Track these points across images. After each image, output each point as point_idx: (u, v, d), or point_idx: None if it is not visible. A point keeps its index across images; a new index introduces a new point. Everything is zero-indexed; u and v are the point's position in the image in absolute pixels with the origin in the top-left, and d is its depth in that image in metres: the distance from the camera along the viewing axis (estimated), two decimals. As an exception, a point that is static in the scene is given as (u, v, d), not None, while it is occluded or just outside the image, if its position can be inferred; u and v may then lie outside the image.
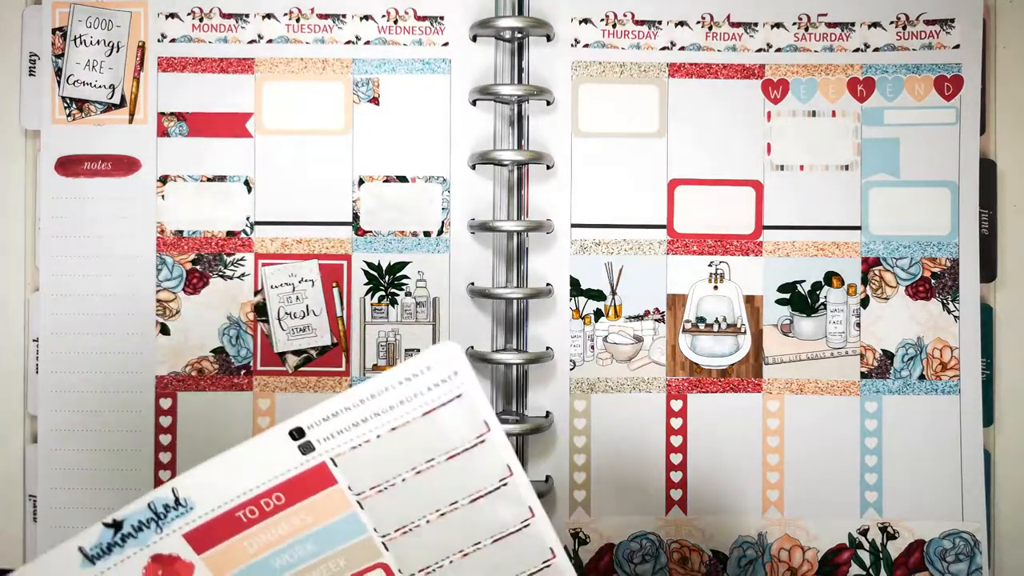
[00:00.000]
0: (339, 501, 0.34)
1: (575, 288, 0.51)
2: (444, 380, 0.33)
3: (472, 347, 0.51)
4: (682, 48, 0.51)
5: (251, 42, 0.51)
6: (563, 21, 0.51)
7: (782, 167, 0.51)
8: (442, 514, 0.35)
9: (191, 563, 0.34)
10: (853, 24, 0.51)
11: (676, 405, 0.51)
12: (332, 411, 0.33)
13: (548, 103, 0.51)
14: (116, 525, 0.34)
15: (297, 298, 0.51)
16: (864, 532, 0.51)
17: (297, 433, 0.33)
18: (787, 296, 0.51)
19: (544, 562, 0.36)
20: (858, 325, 0.51)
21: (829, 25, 0.51)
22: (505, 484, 0.35)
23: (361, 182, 0.51)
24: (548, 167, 0.51)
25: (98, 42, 0.51)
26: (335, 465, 0.34)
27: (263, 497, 0.34)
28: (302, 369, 0.51)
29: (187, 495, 0.34)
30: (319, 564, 0.35)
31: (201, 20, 0.51)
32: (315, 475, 0.34)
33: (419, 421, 0.33)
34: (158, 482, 0.50)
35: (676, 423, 0.51)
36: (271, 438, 0.33)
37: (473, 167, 0.51)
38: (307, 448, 0.34)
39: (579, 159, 0.51)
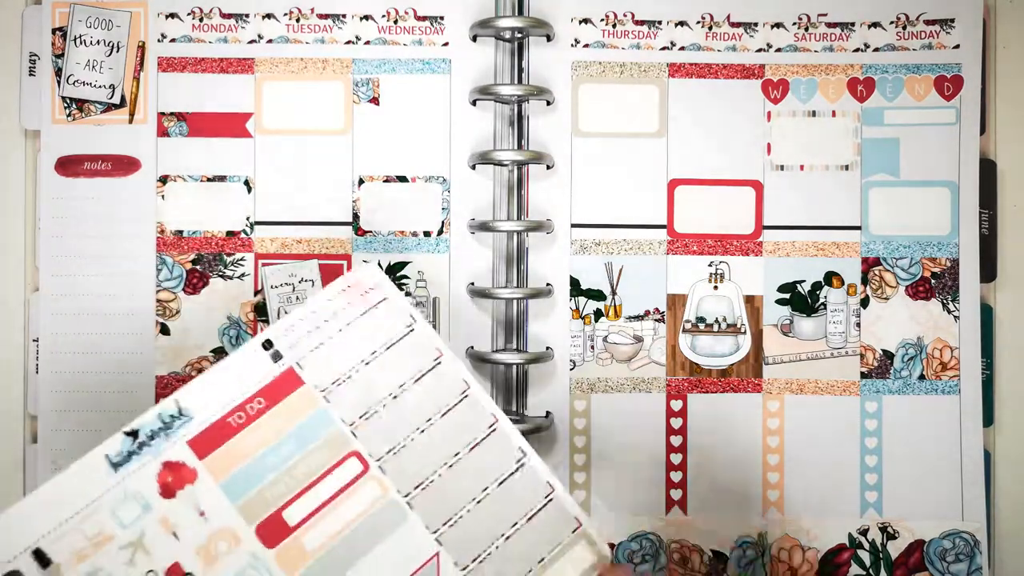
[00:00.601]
0: (308, 399, 0.40)
1: (575, 288, 0.51)
2: (371, 288, 0.42)
3: (472, 347, 0.51)
4: (682, 48, 0.51)
5: (251, 42, 0.51)
6: (563, 21, 0.51)
7: (782, 167, 0.51)
8: (394, 397, 0.41)
9: (194, 469, 0.39)
10: (853, 24, 0.51)
11: (676, 405, 0.51)
12: (291, 323, 0.41)
13: (548, 103, 0.51)
14: (133, 433, 0.39)
15: (297, 298, 0.51)
16: (864, 532, 0.51)
17: (267, 344, 0.41)
18: (787, 296, 0.51)
19: (489, 427, 0.41)
20: (858, 325, 0.51)
21: (829, 25, 0.51)
22: (439, 363, 0.41)
23: (361, 182, 0.51)
24: (548, 167, 0.51)
25: (98, 42, 0.51)
26: (301, 368, 0.41)
27: (247, 403, 0.40)
28: (302, 369, 0.51)
29: (187, 405, 0.40)
30: (303, 459, 0.40)
31: (201, 20, 0.51)
32: (286, 379, 0.40)
33: (359, 320, 0.41)
34: (158, 482, 0.50)
35: (676, 423, 0.51)
36: (247, 350, 0.40)
37: (473, 167, 0.51)
38: (277, 356, 0.40)
39: (579, 159, 0.51)
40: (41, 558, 0.38)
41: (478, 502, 0.41)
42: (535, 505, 0.41)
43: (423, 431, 0.41)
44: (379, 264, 0.42)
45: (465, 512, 0.40)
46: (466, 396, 0.42)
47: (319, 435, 0.40)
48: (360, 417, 0.41)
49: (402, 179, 0.51)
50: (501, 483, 0.41)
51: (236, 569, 0.39)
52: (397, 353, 0.42)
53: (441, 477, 0.40)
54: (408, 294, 0.51)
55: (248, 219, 0.51)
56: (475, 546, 0.40)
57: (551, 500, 0.41)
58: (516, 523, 0.40)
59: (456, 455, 0.41)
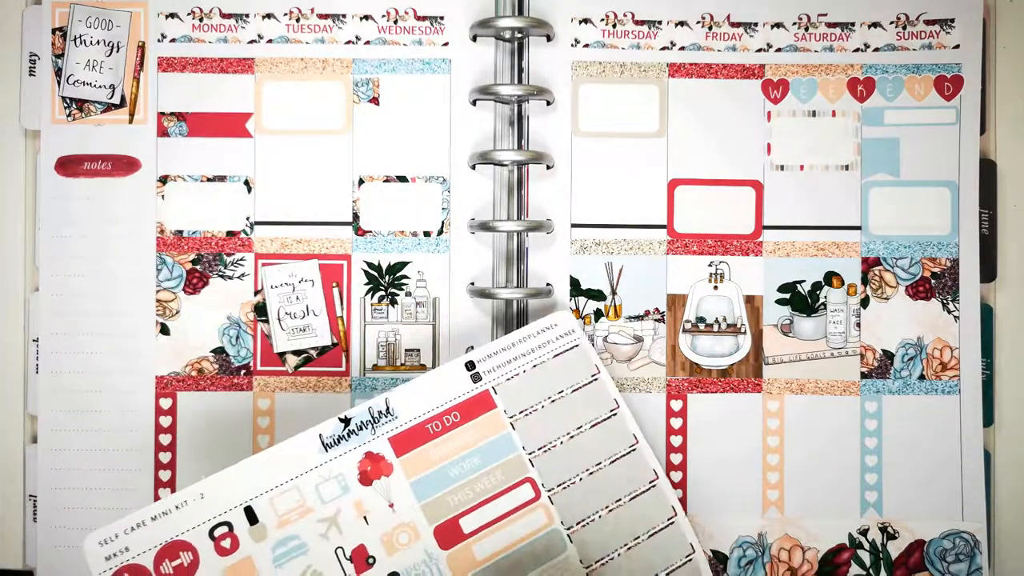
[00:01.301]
0: (497, 422, 0.45)
1: (575, 288, 0.51)
2: (565, 334, 0.47)
3: (472, 347, 0.51)
4: (682, 48, 0.51)
5: (251, 42, 0.51)
6: (563, 21, 0.51)
7: (782, 167, 0.51)
8: (571, 436, 0.46)
9: (391, 464, 0.44)
10: (853, 24, 0.51)
11: (676, 405, 0.51)
12: (493, 350, 0.46)
13: (548, 103, 0.51)
14: (346, 421, 0.44)
15: (297, 298, 0.51)
16: (864, 532, 0.51)
17: (470, 366, 0.46)
18: (787, 296, 0.51)
19: (650, 482, 0.46)
20: (858, 325, 0.51)
21: (829, 25, 0.51)
22: (614, 415, 0.47)
23: (361, 182, 0.51)
24: (548, 167, 0.51)
25: (98, 42, 0.51)
26: (495, 393, 0.46)
27: (445, 414, 0.45)
28: (302, 369, 0.51)
29: (395, 405, 0.45)
30: (483, 476, 0.45)
31: (201, 20, 0.51)
32: (481, 400, 0.46)
33: (551, 362, 0.47)
34: (158, 483, 0.50)
35: (676, 423, 0.51)
36: (452, 368, 0.46)
37: (473, 167, 0.51)
38: (477, 378, 0.46)
39: (579, 159, 0.51)
40: (251, 515, 0.43)
41: (628, 548, 0.45)
42: (675, 562, 0.46)
43: (591, 473, 0.46)
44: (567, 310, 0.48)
45: (616, 555, 0.45)
46: (633, 450, 0.46)
47: (501, 456, 0.45)
48: (539, 448, 0.45)
49: (402, 179, 0.51)
50: (652, 535, 0.46)
51: (412, 562, 0.43)
52: (580, 397, 0.46)
53: (601, 518, 0.45)
54: (408, 294, 0.51)
55: (248, 219, 0.51)
56: None
57: (690, 559, 0.46)
58: (657, 570, 0.46)
59: (618, 501, 0.45)
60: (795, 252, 0.51)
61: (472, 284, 0.51)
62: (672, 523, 0.46)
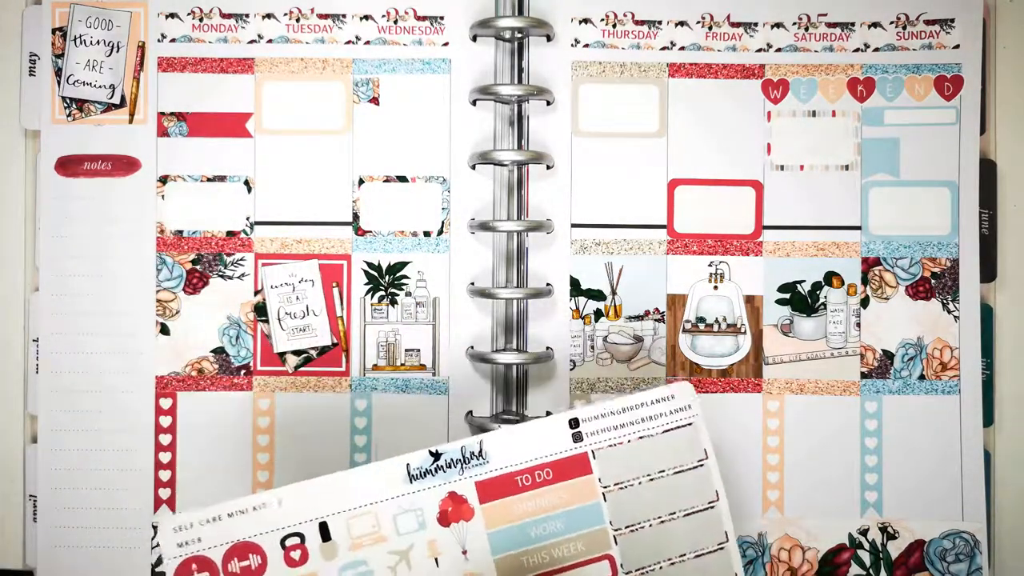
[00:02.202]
0: (589, 489, 0.42)
1: (575, 288, 0.51)
2: (681, 408, 0.43)
3: (472, 347, 0.51)
4: (682, 48, 0.51)
5: (251, 42, 0.51)
6: (563, 21, 0.51)
7: (782, 167, 0.51)
8: (662, 521, 0.43)
9: (473, 509, 0.42)
10: (853, 24, 0.51)
11: (676, 405, 0.51)
12: (602, 411, 0.43)
13: (548, 103, 0.51)
14: (436, 455, 0.42)
15: (297, 298, 0.51)
16: (864, 532, 0.51)
17: (574, 423, 0.43)
18: (787, 296, 0.51)
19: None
20: (858, 325, 0.51)
21: (829, 25, 0.51)
22: (712, 507, 0.43)
23: (361, 182, 0.51)
24: (548, 167, 0.51)
25: (98, 42, 0.51)
26: (594, 457, 0.42)
27: (538, 469, 0.42)
28: (302, 369, 0.51)
29: (488, 449, 0.42)
30: (563, 543, 0.42)
31: (201, 20, 0.51)
32: (577, 462, 0.42)
33: (659, 437, 0.43)
34: (158, 483, 0.50)
35: (676, 423, 0.51)
36: (555, 422, 0.43)
37: (473, 167, 0.51)
38: (578, 438, 0.42)
39: (579, 159, 0.51)
40: (325, 532, 0.41)
41: None
42: None
43: (673, 563, 0.43)
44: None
45: None
46: (721, 548, 0.43)
47: (586, 526, 0.42)
48: (627, 527, 0.42)
49: (402, 179, 0.51)
50: None
51: None
52: (682, 481, 0.43)
53: None
54: (408, 294, 0.51)
55: (248, 219, 0.51)
56: None
57: None
58: None
59: None
60: (795, 252, 0.51)
61: (472, 284, 0.51)
62: None
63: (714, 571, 0.43)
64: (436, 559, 0.42)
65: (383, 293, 0.51)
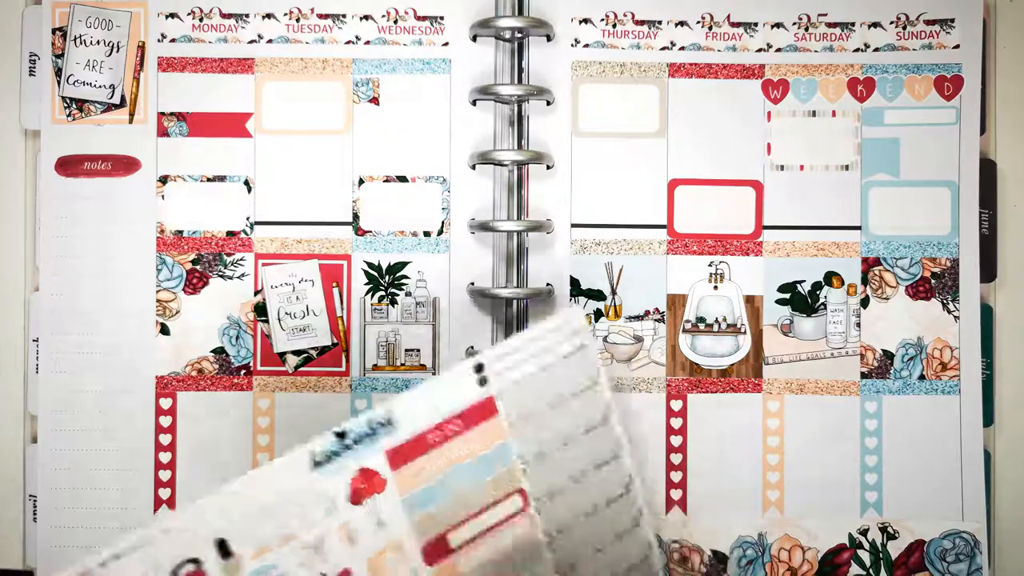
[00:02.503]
0: (498, 431, 0.42)
1: (575, 288, 0.51)
2: (576, 332, 0.43)
3: (472, 347, 0.51)
4: (682, 48, 0.51)
5: (251, 42, 0.51)
6: (563, 21, 0.51)
7: (782, 167, 0.51)
8: (565, 444, 0.43)
9: (385, 480, 0.40)
10: (853, 24, 0.51)
11: (676, 405, 0.51)
12: (505, 351, 0.42)
13: (548, 103, 0.51)
14: (342, 435, 0.39)
15: (297, 298, 0.51)
16: (864, 532, 0.51)
17: (479, 367, 0.41)
18: (787, 296, 0.51)
19: (625, 487, 0.45)
20: (858, 325, 0.51)
21: (829, 25, 0.51)
22: (606, 420, 0.44)
23: (361, 182, 0.51)
24: (548, 167, 0.51)
25: (98, 42, 0.51)
26: (500, 398, 0.42)
27: (448, 423, 0.41)
28: (302, 369, 0.51)
29: (396, 415, 0.40)
30: (479, 488, 0.41)
31: (201, 20, 0.51)
32: (485, 407, 0.41)
33: (559, 364, 0.43)
34: (158, 483, 0.50)
35: (676, 423, 0.51)
36: (460, 371, 0.41)
37: (473, 167, 0.51)
38: (483, 382, 0.41)
39: (579, 159, 0.51)
40: (224, 549, 0.37)
41: (598, 551, 0.44)
42: (636, 560, 0.45)
43: (578, 482, 0.43)
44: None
45: (586, 558, 0.44)
46: (616, 457, 0.44)
47: (498, 467, 0.42)
48: (534, 457, 0.42)
49: (402, 179, 0.51)
50: (619, 536, 0.44)
51: None
52: (579, 403, 0.43)
53: (580, 524, 0.43)
54: (408, 294, 0.51)
55: (248, 219, 0.51)
56: None
57: (648, 559, 0.45)
58: (617, 574, 0.45)
59: (595, 506, 0.44)
60: (795, 252, 0.51)
61: (472, 284, 0.51)
62: (637, 525, 0.45)
63: (615, 479, 0.44)
64: (352, 539, 0.39)
65: (383, 293, 0.51)
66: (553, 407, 0.43)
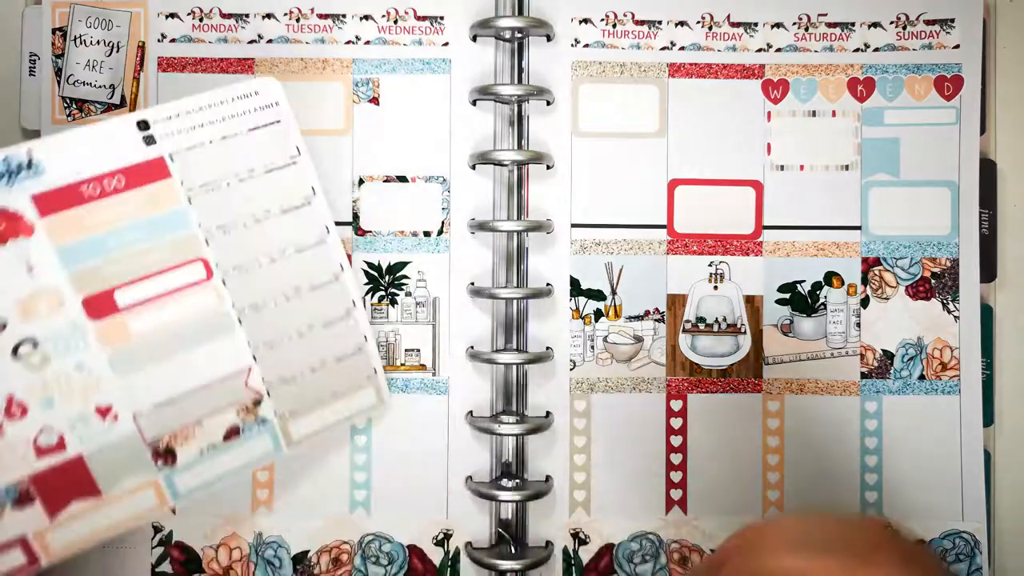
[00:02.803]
0: (171, 194, 0.41)
1: (575, 288, 0.51)
2: (267, 106, 0.43)
3: (472, 347, 0.51)
4: (682, 48, 0.51)
5: (251, 42, 0.51)
6: (563, 21, 0.51)
7: (782, 167, 0.51)
8: (257, 220, 0.43)
9: (32, 224, 0.39)
10: (853, 24, 0.51)
11: (676, 405, 0.51)
12: (175, 111, 0.41)
13: (548, 103, 0.51)
14: None
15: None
16: (864, 532, 0.51)
17: (143, 125, 0.40)
18: (787, 296, 0.51)
19: (334, 275, 0.45)
20: (858, 325, 0.51)
21: (829, 25, 0.51)
22: (308, 204, 0.44)
23: (361, 182, 0.51)
24: (548, 167, 0.51)
25: (98, 42, 0.51)
26: (172, 161, 0.41)
27: (106, 177, 0.40)
28: (302, 369, 0.51)
29: (40, 158, 0.39)
30: (149, 250, 0.41)
31: (201, 20, 0.51)
32: (153, 167, 0.41)
33: (245, 136, 0.42)
34: (158, 482, 0.50)
35: (676, 423, 0.51)
36: (120, 123, 0.40)
37: (473, 167, 0.51)
38: (150, 140, 0.40)
39: (579, 159, 0.51)
40: None
41: (301, 335, 0.44)
42: (348, 352, 0.45)
43: (274, 261, 0.43)
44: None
45: (287, 340, 0.44)
46: (322, 243, 0.44)
47: (172, 232, 0.41)
48: (218, 228, 0.42)
49: (402, 179, 0.51)
50: (327, 325, 0.44)
51: (54, 331, 0.39)
52: (273, 180, 0.43)
53: (276, 305, 0.43)
54: (408, 294, 0.51)
55: (248, 219, 0.51)
56: (286, 370, 0.44)
57: (361, 351, 0.45)
58: (326, 361, 0.45)
59: (296, 289, 0.44)
60: (795, 252, 0.51)
61: (472, 284, 0.51)
62: (348, 315, 0.45)
63: (319, 261, 0.44)
64: None
65: (383, 293, 0.51)
66: (241, 180, 0.42)
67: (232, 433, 0.43)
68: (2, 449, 0.39)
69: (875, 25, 0.51)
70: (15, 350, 0.39)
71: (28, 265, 0.39)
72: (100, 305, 0.40)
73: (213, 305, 0.42)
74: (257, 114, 0.43)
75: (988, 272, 0.51)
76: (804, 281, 0.51)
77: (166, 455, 0.42)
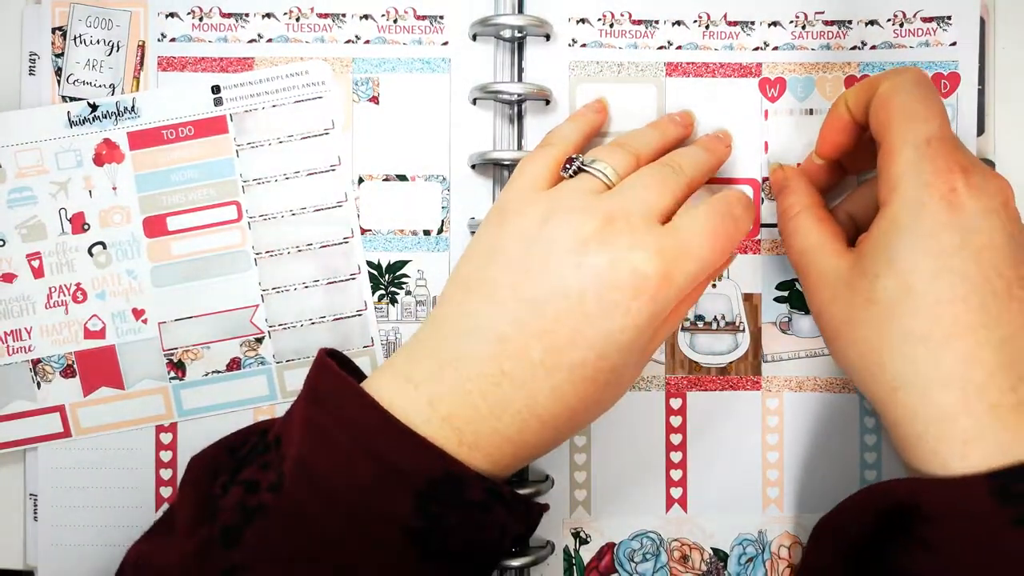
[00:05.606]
0: (225, 146, 0.50)
1: (574, 286, 0.51)
2: (314, 83, 0.51)
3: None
4: (679, 47, 0.52)
5: (251, 41, 0.51)
6: (560, 21, 0.51)
7: (780, 166, 0.51)
8: (287, 178, 0.50)
9: (124, 154, 0.50)
10: (850, 22, 0.51)
11: (675, 403, 0.51)
12: (242, 80, 0.50)
13: (547, 102, 0.51)
14: (94, 106, 0.50)
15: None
16: (864, 529, 0.51)
17: (215, 89, 0.50)
18: (785, 294, 0.52)
19: (344, 238, 0.51)
20: (857, 322, 0.51)
21: (826, 23, 0.51)
22: (334, 169, 0.50)
23: (361, 181, 0.51)
24: (547, 166, 0.51)
25: (98, 41, 0.51)
26: (231, 120, 0.50)
27: (182, 126, 0.50)
28: (302, 368, 0.51)
29: (141, 105, 0.50)
30: (198, 188, 0.50)
31: (201, 19, 0.51)
32: (216, 122, 0.50)
33: (291, 106, 0.50)
34: (159, 481, 0.50)
35: (676, 421, 0.51)
36: (195, 85, 0.50)
37: (473, 166, 0.51)
38: (218, 102, 0.50)
39: (578, 158, 0.51)
40: None
41: (306, 287, 0.50)
42: (347, 313, 0.50)
43: (295, 215, 0.50)
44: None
45: (294, 289, 0.50)
46: (340, 206, 0.50)
47: (219, 176, 0.50)
48: (254, 180, 0.50)
49: (402, 178, 0.51)
50: (331, 283, 0.50)
51: (118, 239, 0.50)
52: (308, 146, 0.50)
53: (290, 255, 0.50)
54: (408, 293, 0.51)
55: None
56: (288, 315, 0.50)
57: (360, 315, 0.50)
58: (326, 317, 0.50)
59: (309, 245, 0.50)
60: (794, 250, 0.51)
61: (471, 282, 0.51)
62: (353, 278, 0.50)
63: (337, 219, 0.50)
64: (90, 191, 0.49)
65: (383, 292, 0.51)
66: (281, 142, 0.50)
67: (234, 364, 0.50)
68: (66, 323, 0.49)
69: (872, 23, 0.51)
70: (91, 248, 0.49)
71: (114, 184, 0.49)
72: (155, 226, 0.50)
73: (237, 243, 0.50)
74: (304, 89, 0.50)
75: (986, 269, 0.51)
76: (803, 279, 0.51)
77: (177, 367, 0.50)
